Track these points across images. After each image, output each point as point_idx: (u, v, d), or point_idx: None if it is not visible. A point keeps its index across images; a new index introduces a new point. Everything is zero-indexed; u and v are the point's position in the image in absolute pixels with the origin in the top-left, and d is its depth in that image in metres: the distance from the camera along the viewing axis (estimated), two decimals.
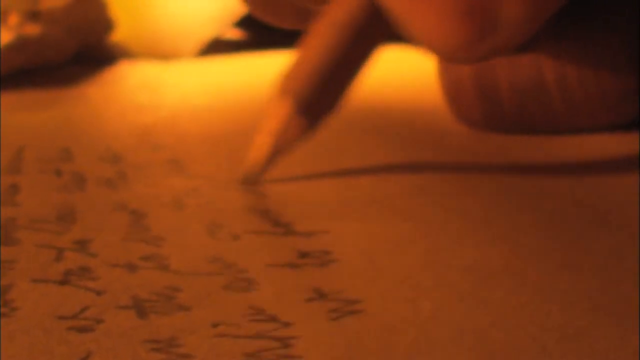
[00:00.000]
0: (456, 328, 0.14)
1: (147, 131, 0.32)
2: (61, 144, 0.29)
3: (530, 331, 0.14)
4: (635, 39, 0.26)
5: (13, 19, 0.45)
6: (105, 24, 0.52)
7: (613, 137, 0.27)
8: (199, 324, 0.15)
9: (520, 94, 0.27)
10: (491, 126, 0.28)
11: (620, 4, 0.26)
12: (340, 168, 0.25)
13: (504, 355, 0.14)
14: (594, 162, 0.25)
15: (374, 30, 0.22)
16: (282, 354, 0.14)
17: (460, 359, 0.14)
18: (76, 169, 0.26)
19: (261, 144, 0.23)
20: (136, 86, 0.44)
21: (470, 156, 0.26)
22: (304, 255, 0.18)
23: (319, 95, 0.23)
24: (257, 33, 0.58)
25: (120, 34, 0.54)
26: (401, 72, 0.42)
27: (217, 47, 0.53)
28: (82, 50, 0.50)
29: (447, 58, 0.19)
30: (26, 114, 0.36)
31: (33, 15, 0.46)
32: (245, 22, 0.53)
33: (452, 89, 0.28)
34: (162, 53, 0.52)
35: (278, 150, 0.23)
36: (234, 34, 0.60)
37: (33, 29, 0.45)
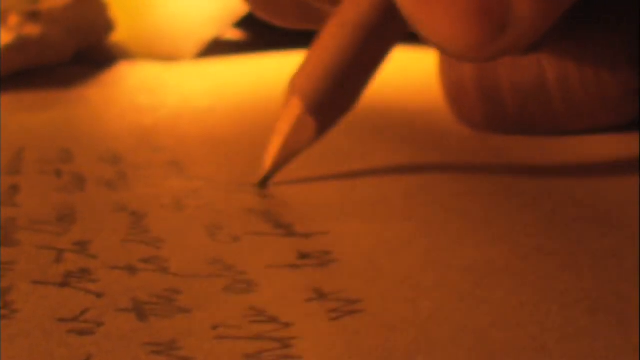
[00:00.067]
0: (456, 328, 0.14)
1: (147, 132, 0.32)
2: (61, 144, 0.29)
3: (530, 331, 0.14)
4: (636, 39, 0.26)
5: (13, 20, 0.45)
6: (105, 25, 0.52)
7: (614, 138, 0.27)
8: (199, 326, 0.15)
9: (521, 95, 0.27)
10: (492, 127, 0.28)
11: (621, 5, 0.26)
12: (340, 168, 0.25)
13: (504, 355, 0.14)
14: (595, 163, 0.25)
15: (388, 30, 0.22)
16: (282, 355, 0.14)
17: (460, 358, 0.14)
18: (76, 169, 0.26)
19: (272, 146, 0.23)
20: (136, 87, 0.44)
21: (471, 157, 0.26)
22: (304, 256, 0.18)
23: (330, 97, 0.23)
24: (257, 33, 0.58)
25: (120, 35, 0.54)
26: (402, 73, 0.42)
27: (217, 47, 0.53)
28: (82, 51, 0.50)
29: (459, 57, 0.19)
30: (26, 115, 0.36)
31: (33, 16, 0.46)
32: (245, 23, 0.53)
33: (453, 89, 0.28)
34: (162, 54, 0.52)
35: (290, 152, 0.23)
36: (234, 34, 0.60)
37: (33, 30, 0.45)
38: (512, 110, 0.27)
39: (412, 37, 0.21)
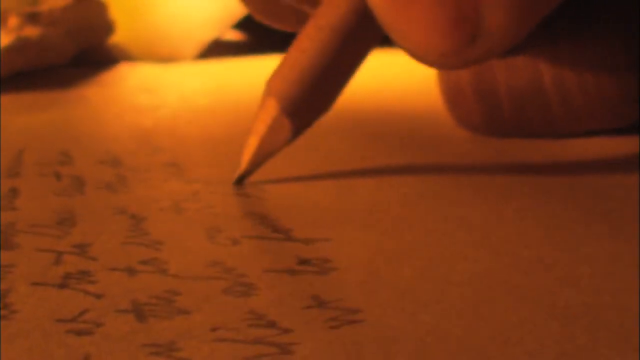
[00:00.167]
0: (455, 344, 0.14)
1: (147, 134, 0.32)
2: (61, 146, 0.29)
3: (529, 348, 0.14)
4: (635, 41, 0.26)
5: (13, 21, 0.45)
6: (105, 26, 0.52)
7: (612, 141, 0.27)
8: (198, 328, 0.15)
9: (518, 98, 0.27)
10: (491, 130, 0.28)
11: (619, 7, 0.26)
12: (340, 173, 0.25)
13: None
14: (594, 165, 0.25)
15: (365, 34, 0.22)
16: None
17: None
18: (76, 172, 0.26)
19: (249, 146, 0.23)
20: (136, 88, 0.44)
21: (470, 160, 0.26)
22: (303, 262, 0.18)
23: (307, 99, 0.23)
24: (256, 35, 0.58)
25: (120, 36, 0.54)
26: (401, 77, 0.42)
27: (216, 49, 0.54)
28: (82, 52, 0.50)
29: (433, 65, 0.19)
30: (26, 116, 0.36)
31: (33, 17, 0.46)
32: (244, 24, 0.53)
33: (451, 93, 0.28)
34: (162, 55, 0.52)
35: (266, 152, 0.23)
36: (234, 35, 0.60)
37: (33, 31, 0.45)
38: (510, 113, 0.27)
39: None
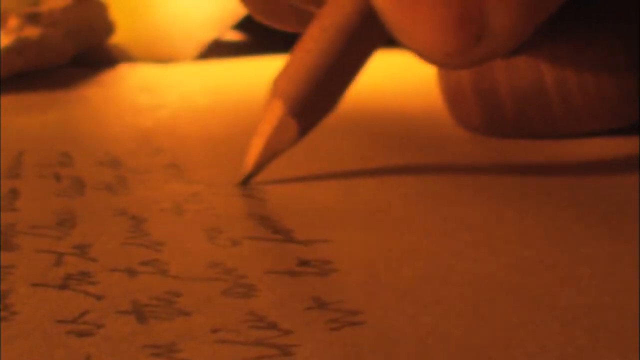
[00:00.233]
0: (455, 346, 0.14)
1: (147, 134, 0.32)
2: (61, 148, 0.29)
3: (530, 349, 0.14)
4: (635, 41, 0.26)
5: (13, 22, 0.45)
6: (105, 27, 0.52)
7: (613, 141, 0.27)
8: (199, 330, 0.15)
9: (519, 98, 0.27)
10: (491, 131, 0.28)
11: (619, 7, 0.26)
12: (340, 174, 0.25)
13: None
14: (594, 166, 0.25)
15: (369, 34, 0.22)
16: None
17: None
18: (76, 173, 0.26)
19: (254, 146, 0.24)
20: (136, 89, 0.44)
21: (471, 160, 0.26)
22: (303, 263, 0.18)
23: (312, 99, 0.23)
24: (257, 35, 0.58)
25: (120, 37, 0.54)
26: (401, 77, 0.42)
27: (217, 49, 0.54)
28: (82, 53, 0.50)
29: (438, 65, 0.19)
30: (26, 117, 0.36)
31: (32, 18, 0.46)
32: (245, 25, 0.53)
33: (451, 93, 0.28)
34: (162, 55, 0.52)
35: (272, 152, 0.24)
36: (234, 36, 0.60)
37: (33, 32, 0.45)
38: (511, 113, 0.27)
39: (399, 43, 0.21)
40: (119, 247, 0.19)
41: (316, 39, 0.22)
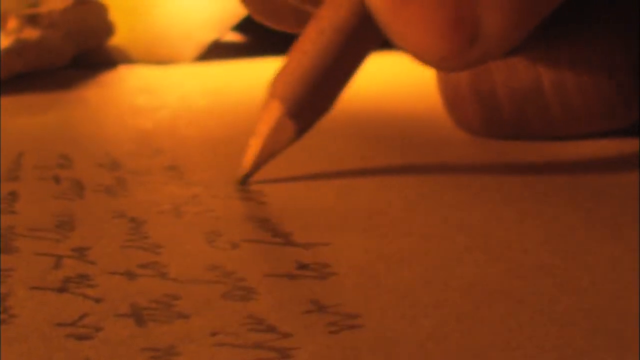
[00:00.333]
0: (455, 348, 0.14)
1: (146, 135, 0.32)
2: (60, 149, 0.29)
3: (529, 353, 0.14)
4: (635, 41, 0.26)
5: (12, 23, 0.45)
6: (104, 28, 0.52)
7: (612, 142, 0.27)
8: (198, 333, 0.15)
9: (517, 100, 0.27)
10: (490, 132, 0.28)
11: (619, 7, 0.26)
12: (339, 175, 0.25)
13: None
14: (594, 167, 0.25)
15: (366, 35, 0.22)
16: None
17: None
18: (75, 176, 0.26)
19: (252, 147, 0.24)
20: (136, 90, 0.44)
21: (470, 162, 0.26)
22: (302, 266, 0.18)
23: (309, 99, 0.23)
24: (256, 37, 0.58)
25: (119, 38, 0.54)
26: (401, 79, 0.42)
27: (216, 50, 0.54)
28: (82, 54, 0.50)
29: (433, 66, 0.20)
30: (25, 119, 0.36)
31: (32, 19, 0.46)
32: (244, 26, 0.53)
33: (450, 95, 0.28)
34: (161, 57, 0.52)
35: (269, 153, 0.24)
36: (234, 37, 0.60)
37: (32, 33, 0.45)
38: (509, 115, 0.27)
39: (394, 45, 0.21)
40: (118, 249, 0.19)
41: (313, 40, 0.23)
